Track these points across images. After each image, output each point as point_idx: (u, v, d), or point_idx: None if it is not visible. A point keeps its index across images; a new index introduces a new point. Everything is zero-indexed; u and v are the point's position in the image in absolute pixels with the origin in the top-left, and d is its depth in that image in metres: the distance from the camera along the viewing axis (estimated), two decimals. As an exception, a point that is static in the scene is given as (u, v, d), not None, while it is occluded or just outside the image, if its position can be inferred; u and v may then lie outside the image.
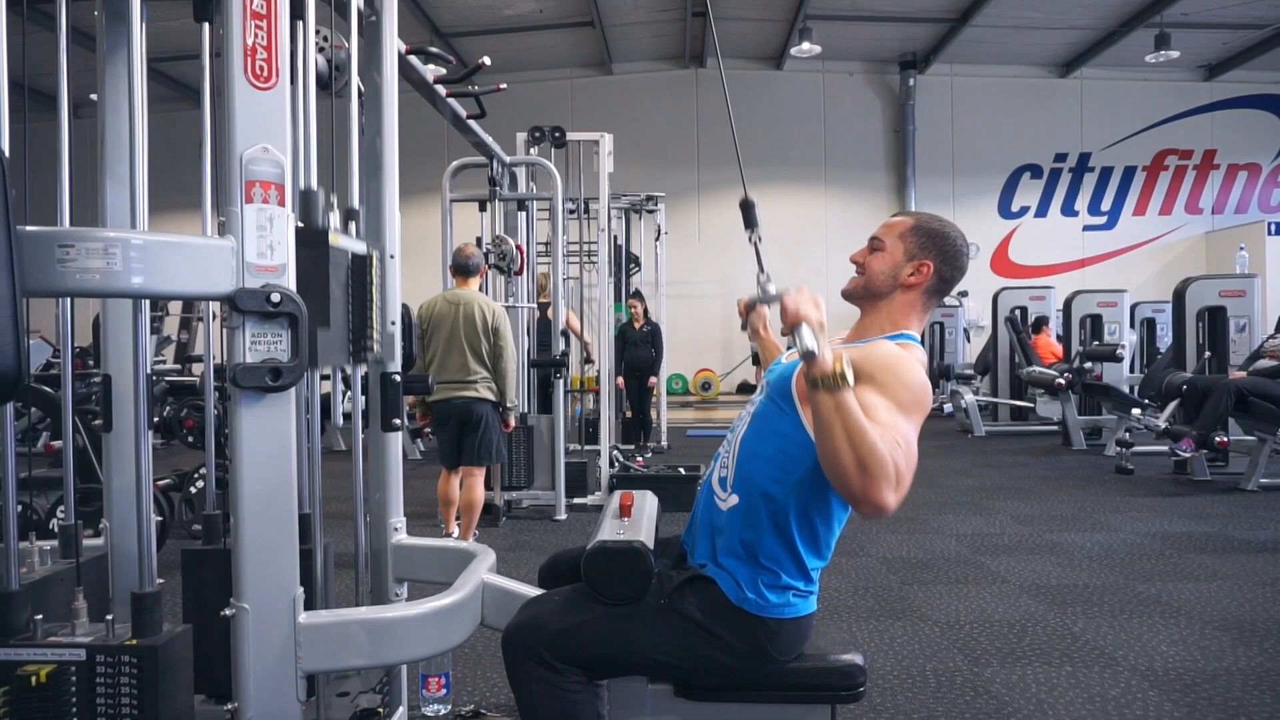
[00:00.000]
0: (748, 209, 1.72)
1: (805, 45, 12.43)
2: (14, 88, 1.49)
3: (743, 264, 14.64)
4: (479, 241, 4.92)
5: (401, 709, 2.04)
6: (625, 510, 1.72)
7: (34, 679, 1.39)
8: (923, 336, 1.70)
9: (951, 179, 14.71)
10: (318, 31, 2.08)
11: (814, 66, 14.39)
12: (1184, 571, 3.80)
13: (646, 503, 1.88)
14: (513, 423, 4.27)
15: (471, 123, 4.18)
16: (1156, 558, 4.03)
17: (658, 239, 8.52)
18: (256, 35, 1.42)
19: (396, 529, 2.06)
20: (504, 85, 3.80)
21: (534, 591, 1.71)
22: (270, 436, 1.43)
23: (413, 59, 3.09)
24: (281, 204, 1.44)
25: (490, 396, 4.09)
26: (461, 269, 4.23)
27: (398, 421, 2.07)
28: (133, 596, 1.46)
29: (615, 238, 8.44)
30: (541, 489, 5.18)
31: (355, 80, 1.94)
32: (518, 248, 4.91)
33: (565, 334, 5.39)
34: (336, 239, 1.64)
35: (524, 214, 5.34)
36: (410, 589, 2.08)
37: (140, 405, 1.54)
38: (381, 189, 2.05)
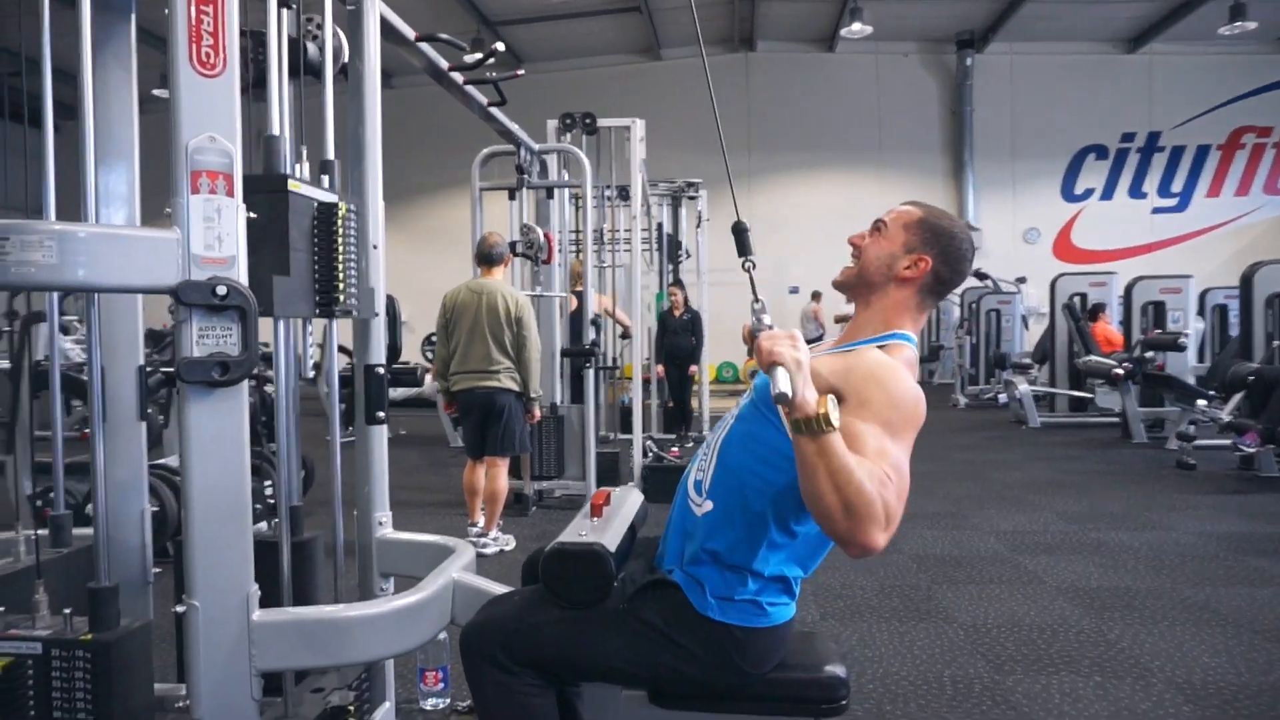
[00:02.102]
0: (741, 234, 1.63)
1: (856, 26, 12.14)
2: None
3: (795, 249, 14.46)
4: (525, 230, 4.88)
5: (388, 705, 2.02)
6: (596, 510, 1.65)
7: (-11, 672, 1.39)
8: (922, 340, 1.59)
9: (1011, 161, 14.24)
10: (310, 19, 2.06)
11: (867, 48, 14.05)
12: (1238, 576, 3.57)
13: (627, 501, 1.81)
14: (537, 414, 4.23)
15: (496, 110, 4.14)
16: (1209, 560, 3.80)
17: (699, 226, 8.40)
18: (202, 21, 1.38)
19: (382, 523, 2.04)
20: (522, 71, 3.74)
21: (505, 590, 1.66)
22: (220, 431, 1.40)
23: (424, 46, 3.05)
24: (230, 194, 1.41)
25: (514, 387, 4.07)
26: (485, 258, 4.20)
27: (382, 415, 2.04)
28: (89, 591, 1.45)
29: (660, 225, 8.37)
30: (572, 479, 5.15)
31: (330, 32, 1.90)
32: (546, 236, 4.87)
33: (596, 323, 5.34)
34: (298, 185, 1.59)
35: (554, 202, 5.29)
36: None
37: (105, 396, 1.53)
38: (364, 177, 2.01)
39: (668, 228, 8.73)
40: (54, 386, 1.87)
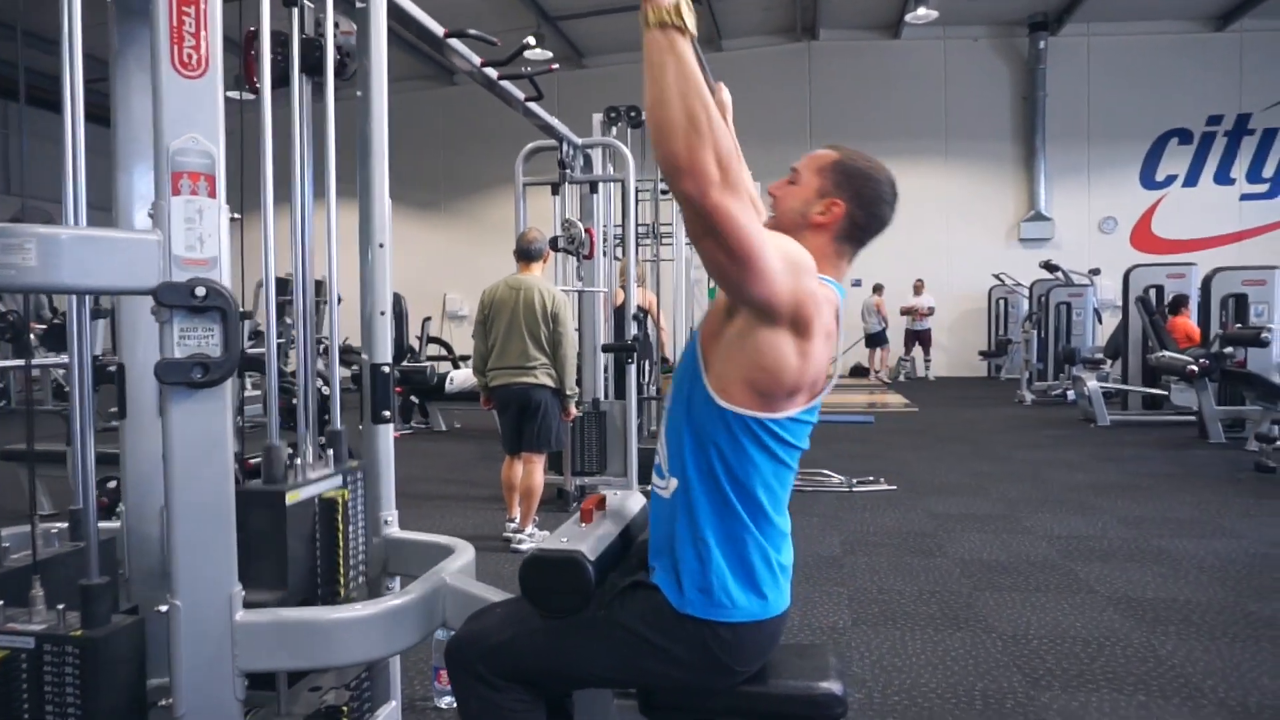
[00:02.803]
0: None
1: (922, 11, 11.81)
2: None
3: (856, 243, 14.14)
4: (566, 225, 4.87)
5: (393, 704, 2.02)
6: (586, 515, 1.61)
7: (-16, 665, 1.42)
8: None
9: (1086, 147, 13.66)
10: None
11: (933, 33, 13.64)
12: (1312, 589, 3.35)
13: (625, 505, 1.76)
14: (573, 410, 4.21)
15: (535, 105, 4.12)
16: (1281, 571, 3.57)
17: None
18: (183, 23, 1.38)
19: (388, 522, 2.03)
20: (556, 66, 3.72)
21: (496, 595, 1.63)
22: (202, 432, 1.40)
23: (454, 42, 3.04)
24: (212, 195, 1.40)
25: (549, 383, 4.06)
26: (524, 254, 4.20)
27: (388, 414, 2.04)
28: (80, 587, 1.47)
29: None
30: (614, 475, 5.12)
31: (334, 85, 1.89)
32: (588, 231, 4.84)
33: (638, 317, 5.30)
34: (296, 495, 1.63)
35: (598, 196, 5.26)
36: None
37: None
38: (371, 177, 2.01)
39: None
40: (77, 383, 1.92)
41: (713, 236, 1.17)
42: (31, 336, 8.94)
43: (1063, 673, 2.59)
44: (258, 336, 6.90)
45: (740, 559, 1.37)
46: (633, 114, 5.40)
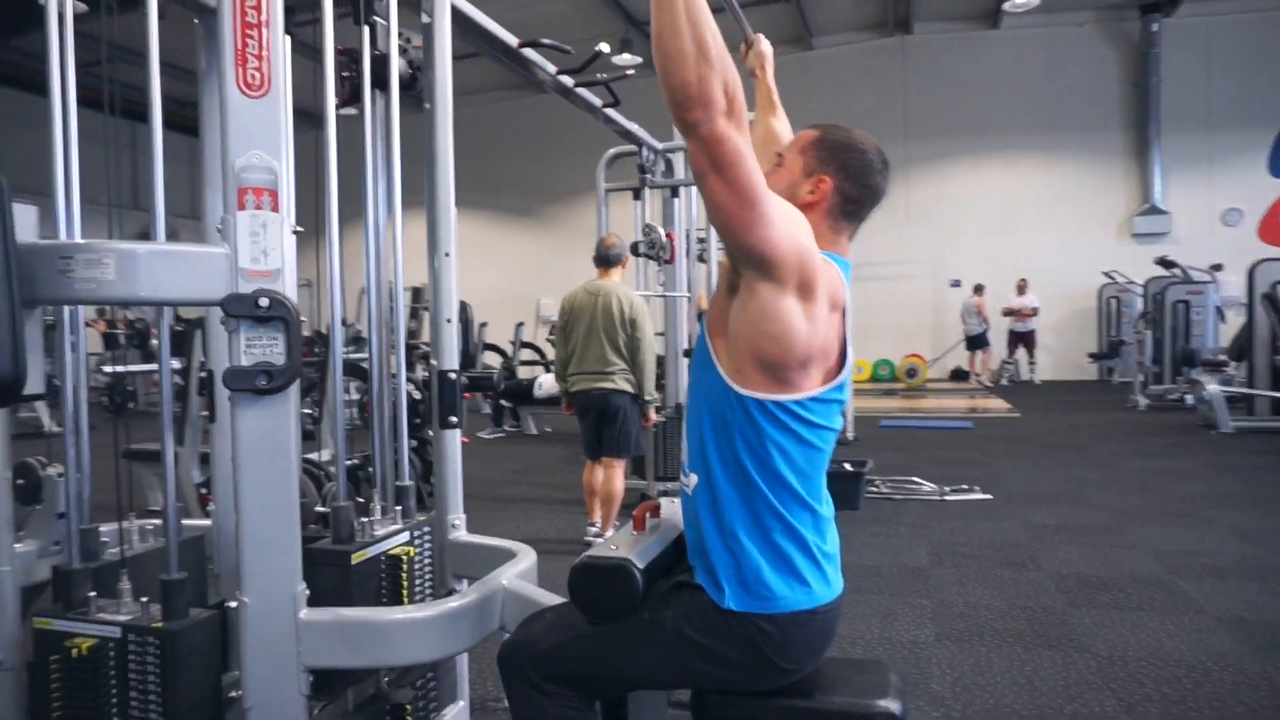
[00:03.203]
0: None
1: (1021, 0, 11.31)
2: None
3: (957, 240, 13.72)
4: (647, 230, 4.89)
5: (461, 704, 2.06)
6: (638, 523, 1.60)
7: (75, 651, 1.52)
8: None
9: (1207, 135, 12.83)
10: (401, 35, 2.14)
11: (1035, 21, 13.08)
12: None
13: (680, 512, 1.74)
14: (652, 416, 4.21)
15: (612, 111, 4.15)
16: None
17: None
18: (247, 44, 1.45)
19: (455, 525, 2.07)
20: (631, 71, 3.72)
21: (554, 599, 1.64)
22: (267, 436, 1.46)
23: (528, 51, 3.09)
24: (275, 209, 1.46)
25: (628, 388, 4.07)
26: (603, 260, 4.23)
27: (455, 419, 2.08)
28: (161, 582, 1.56)
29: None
30: (697, 480, 5.09)
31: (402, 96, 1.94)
32: (668, 236, 4.84)
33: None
34: (363, 554, 1.70)
35: (679, 201, 5.26)
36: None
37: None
38: (436, 187, 2.06)
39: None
40: (164, 387, 2.03)
41: (718, 171, 1.16)
42: (154, 343, 9.56)
43: (1162, 698, 2.43)
44: (357, 342, 7.16)
45: (773, 547, 1.34)
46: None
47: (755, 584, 1.33)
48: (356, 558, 1.69)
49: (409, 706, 1.77)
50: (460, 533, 2.08)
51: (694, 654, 1.35)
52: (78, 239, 1.65)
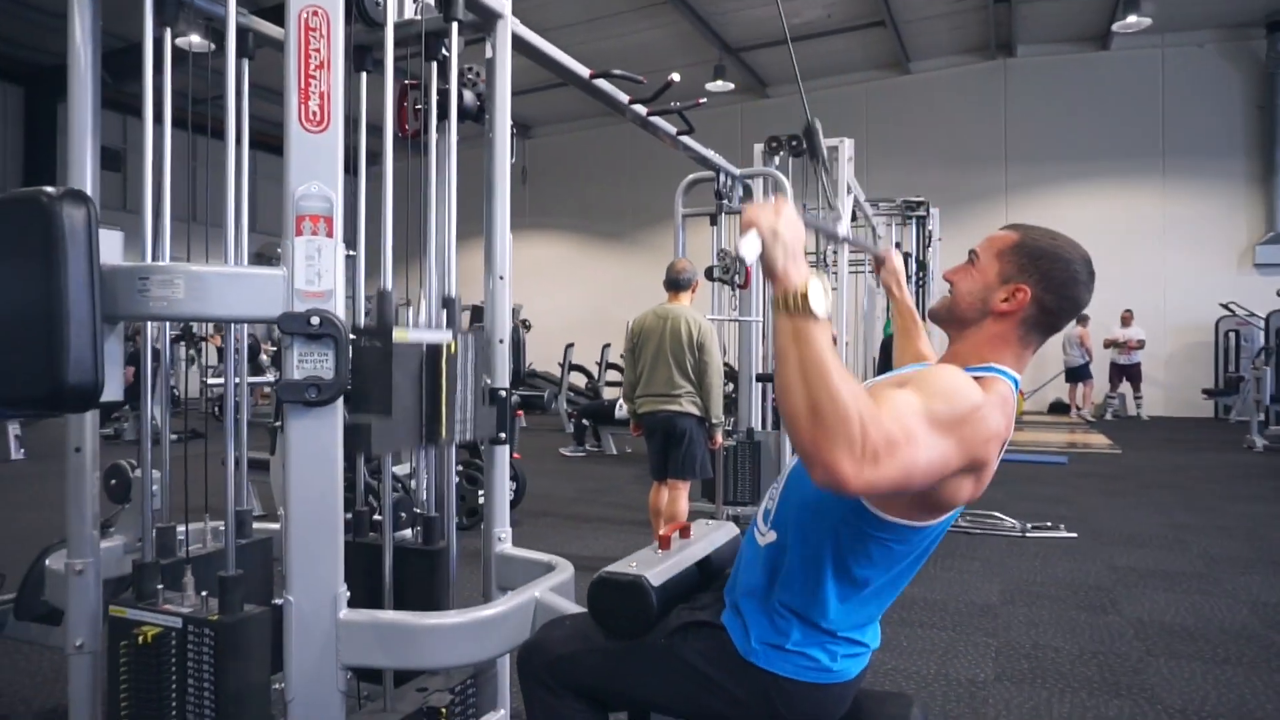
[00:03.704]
0: (810, 136, 1.60)
1: (1132, 19, 10.87)
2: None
3: (1058, 270, 13.16)
4: (722, 255, 4.94)
5: (502, 713, 2.12)
6: (664, 543, 1.64)
7: (141, 638, 1.66)
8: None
9: (1339, 160, 11.98)
10: (470, 68, 2.27)
11: (1149, 42, 12.54)
12: None
13: (711, 535, 1.77)
14: (719, 439, 4.23)
15: (687, 139, 4.22)
16: None
17: (928, 245, 7.94)
18: (310, 84, 1.57)
19: (501, 539, 2.15)
20: (704, 100, 3.79)
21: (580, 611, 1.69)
22: (315, 446, 1.57)
23: (600, 83, 3.19)
24: (330, 235, 1.58)
25: (695, 411, 4.10)
26: (673, 284, 4.29)
27: (504, 435, 2.16)
28: (218, 579, 1.68)
29: (898, 244, 8.05)
30: (767, 506, 5.06)
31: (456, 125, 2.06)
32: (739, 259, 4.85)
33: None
34: (404, 334, 1.72)
35: (756, 226, 5.27)
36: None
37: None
38: (494, 213, 2.16)
39: (906, 247, 8.39)
40: (231, 399, 2.19)
41: (868, 498, 1.16)
42: (264, 357, 10.13)
43: (1236, 757, 2.29)
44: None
45: (815, 629, 1.35)
46: (794, 143, 5.37)
47: (784, 650, 1.34)
48: (398, 336, 1.69)
49: (444, 710, 1.85)
50: (505, 545, 2.15)
51: (706, 690, 1.38)
52: (165, 261, 1.82)
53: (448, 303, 1.98)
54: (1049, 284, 1.32)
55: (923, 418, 1.11)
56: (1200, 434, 10.57)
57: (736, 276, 4.79)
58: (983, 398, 1.20)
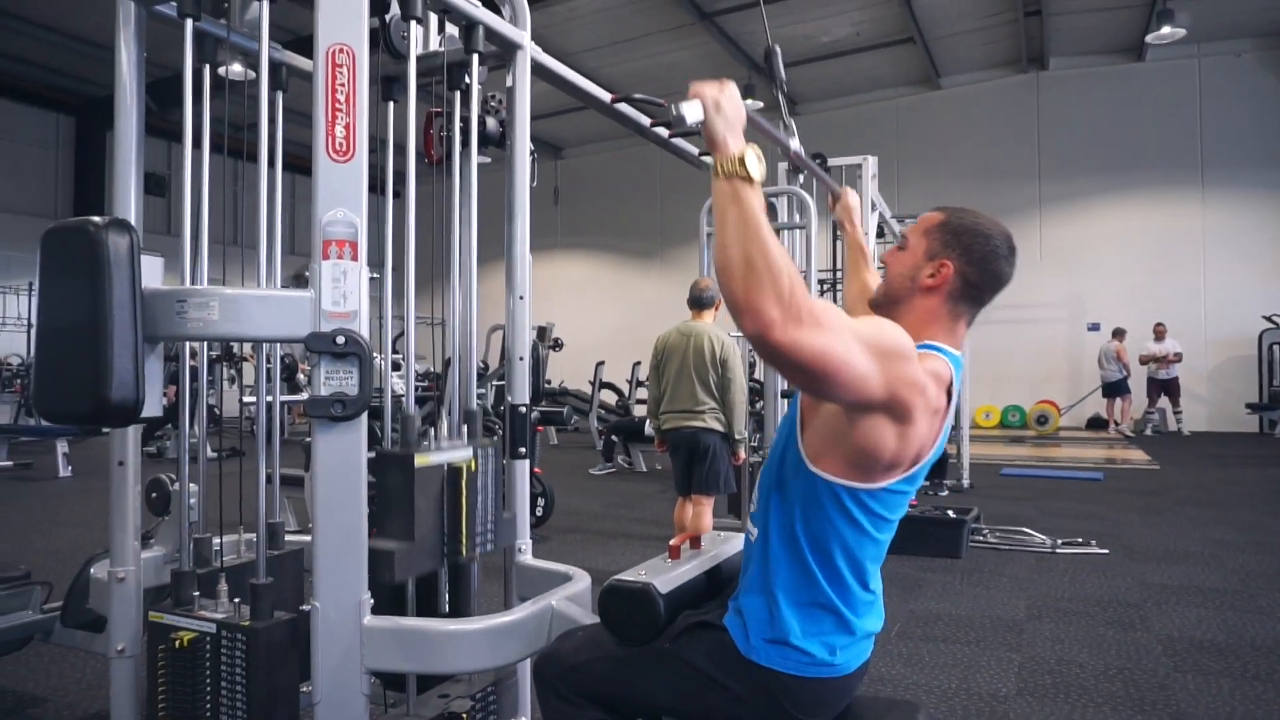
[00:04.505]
0: (769, 59, 1.72)
1: (1166, 30, 10.76)
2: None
3: (1095, 282, 13.04)
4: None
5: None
6: (673, 552, 1.69)
7: (177, 642, 1.74)
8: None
9: (1387, 169, 11.73)
10: (492, 96, 2.36)
11: (1185, 52, 12.41)
12: None
13: (722, 546, 1.82)
14: (741, 455, 4.26)
15: (709, 159, 4.29)
16: None
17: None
18: (336, 117, 1.66)
19: (521, 550, 2.21)
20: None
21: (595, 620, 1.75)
22: (340, 458, 1.65)
23: (622, 107, 3.27)
24: (355, 259, 1.66)
25: (718, 427, 4.14)
26: (696, 302, 4.35)
27: (523, 450, 2.23)
28: (250, 586, 1.76)
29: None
30: (794, 522, 5.08)
31: (478, 157, 2.15)
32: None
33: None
34: (426, 459, 1.81)
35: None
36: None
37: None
38: (514, 234, 2.24)
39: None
40: (260, 415, 2.28)
41: (781, 368, 1.20)
42: (301, 376, 10.35)
43: (1260, 773, 2.27)
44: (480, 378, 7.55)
45: (812, 620, 1.38)
46: (818, 159, 5.43)
47: (782, 644, 1.38)
48: (420, 461, 1.79)
49: (465, 716, 1.91)
50: (526, 557, 2.22)
51: (710, 690, 1.42)
52: (204, 283, 1.92)
53: (469, 417, 2.03)
54: (970, 257, 1.40)
55: (852, 329, 1.19)
56: (1243, 449, 10.34)
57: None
58: (914, 351, 1.26)
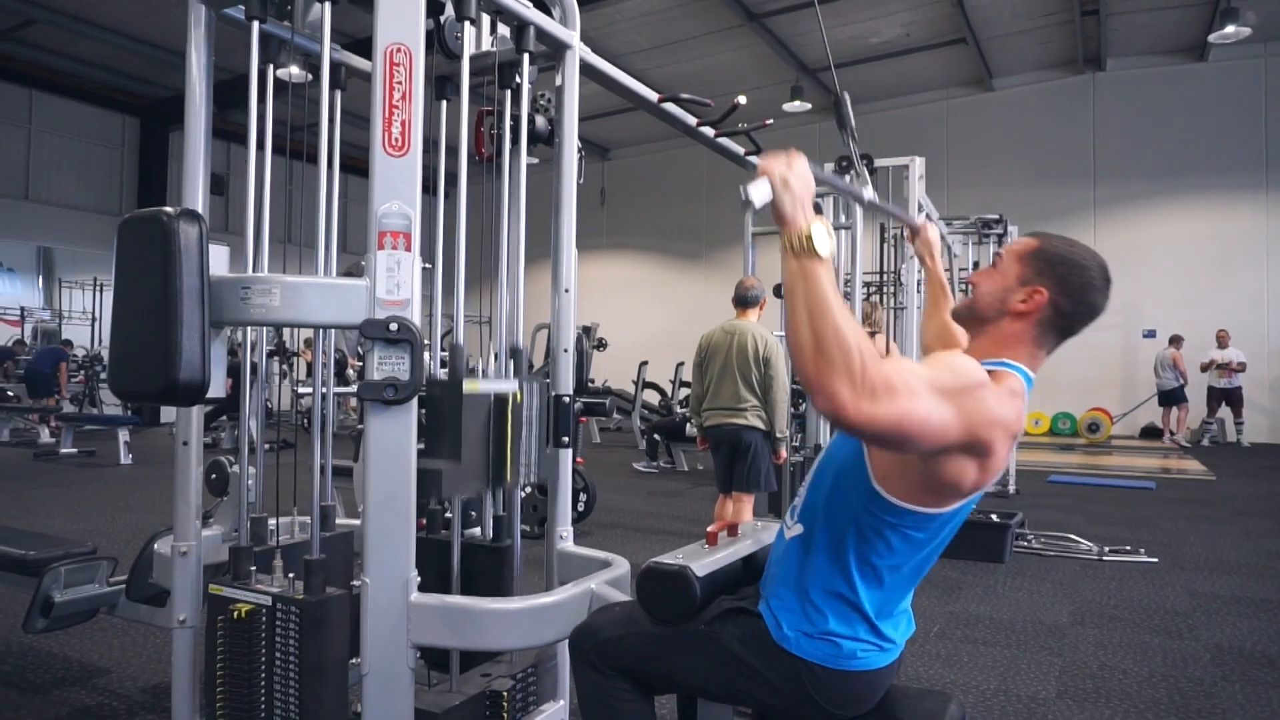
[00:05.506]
0: (839, 106, 1.73)
1: (1230, 29, 10.48)
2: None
3: (1151, 287, 12.73)
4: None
5: (561, 703, 2.23)
6: (711, 539, 1.73)
7: (236, 613, 1.83)
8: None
9: None
10: (542, 95, 2.43)
11: (1250, 52, 12.07)
12: None
13: (757, 535, 1.85)
14: (783, 453, 4.28)
15: (755, 159, 4.32)
16: None
17: (1006, 264, 7.77)
18: (393, 114, 1.74)
19: (563, 537, 2.26)
20: (770, 121, 3.88)
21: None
22: (391, 441, 1.72)
23: (669, 106, 3.32)
24: (408, 250, 1.74)
25: (760, 425, 4.16)
26: (740, 300, 4.38)
27: (566, 440, 2.29)
28: (304, 562, 1.84)
29: (977, 264, 7.94)
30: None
31: (527, 157, 2.21)
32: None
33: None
34: (475, 385, 1.89)
35: (825, 244, 5.31)
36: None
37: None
38: (560, 230, 2.30)
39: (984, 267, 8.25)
40: (316, 403, 2.37)
41: (860, 437, 1.22)
42: (350, 371, 10.59)
43: (1307, 783, 2.23)
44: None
45: (842, 618, 1.41)
46: (864, 160, 5.40)
47: (816, 637, 1.41)
48: (469, 387, 1.85)
49: (505, 694, 1.97)
50: (567, 544, 2.27)
51: (741, 673, 1.46)
52: (264, 273, 2.01)
53: (514, 353, 2.11)
54: (1065, 288, 1.38)
55: (924, 379, 1.21)
56: (1306, 462, 10.02)
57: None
58: (989, 381, 1.28)
